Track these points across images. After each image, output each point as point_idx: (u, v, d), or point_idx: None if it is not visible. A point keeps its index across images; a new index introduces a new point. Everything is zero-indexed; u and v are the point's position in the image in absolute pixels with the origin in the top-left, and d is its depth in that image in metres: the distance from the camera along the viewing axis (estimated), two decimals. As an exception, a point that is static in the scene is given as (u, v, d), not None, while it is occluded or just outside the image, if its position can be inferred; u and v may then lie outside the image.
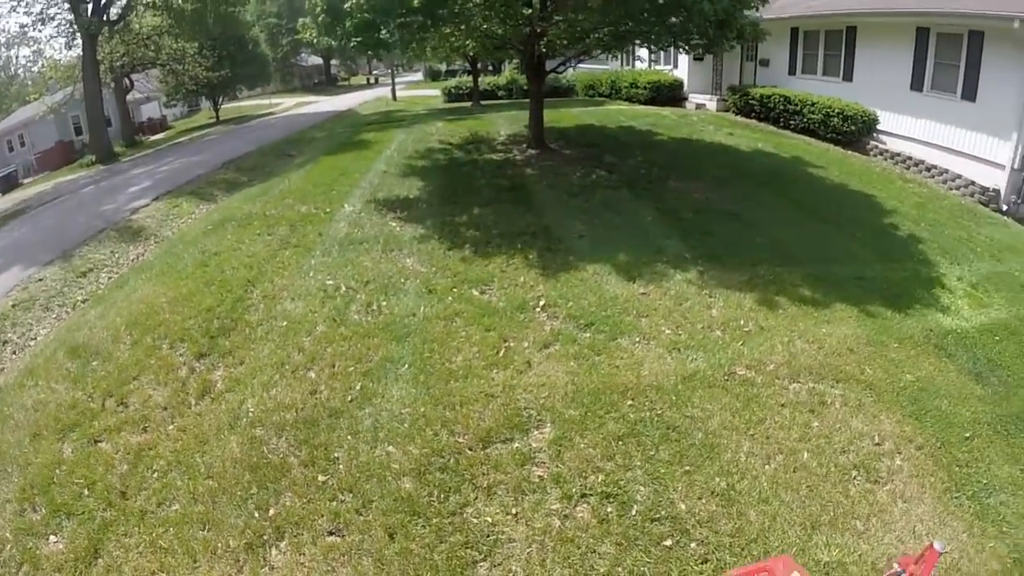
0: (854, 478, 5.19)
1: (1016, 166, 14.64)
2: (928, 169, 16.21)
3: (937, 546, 2.83)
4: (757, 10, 13.48)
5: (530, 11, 12.27)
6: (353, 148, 18.98)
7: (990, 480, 5.63)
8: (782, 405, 5.81)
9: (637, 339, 6.74)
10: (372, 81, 71.18)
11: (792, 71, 21.22)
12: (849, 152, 17.05)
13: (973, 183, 15.29)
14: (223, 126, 35.29)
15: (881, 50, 17.33)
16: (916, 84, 16.42)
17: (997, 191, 15.09)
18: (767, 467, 5.12)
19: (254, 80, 48.68)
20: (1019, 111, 14.19)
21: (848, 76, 18.72)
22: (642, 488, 4.81)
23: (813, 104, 18.72)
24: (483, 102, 29.08)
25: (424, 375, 6.24)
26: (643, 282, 7.91)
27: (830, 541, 4.53)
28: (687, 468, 5.03)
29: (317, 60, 72.90)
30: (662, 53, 27.16)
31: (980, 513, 5.28)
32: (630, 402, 5.81)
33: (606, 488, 4.81)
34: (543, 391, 5.98)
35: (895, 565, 2.89)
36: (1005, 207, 15.06)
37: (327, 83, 72.11)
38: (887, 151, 17.25)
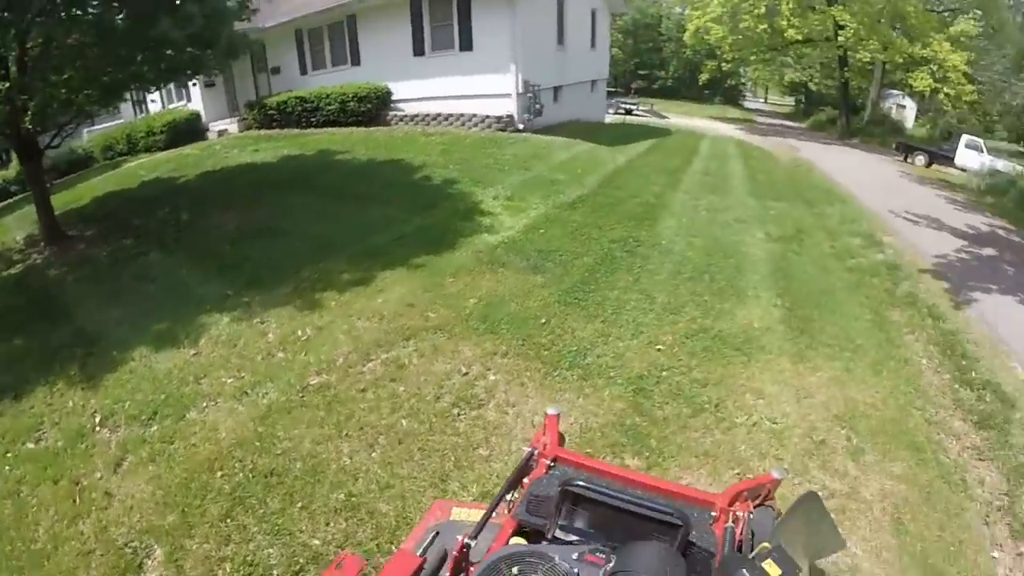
0: (458, 415, 5.24)
1: (520, 91, 16.91)
2: (446, 118, 17.85)
3: (550, 411, 3.03)
4: (249, 20, 12.93)
5: (7, 84, 9.93)
6: None
7: (578, 345, 6.14)
8: (363, 390, 5.56)
9: (204, 404, 5.92)
10: None
11: (304, 71, 21.41)
12: (372, 129, 17.80)
13: (488, 116, 17.31)
14: None
15: (382, 29, 18.44)
16: (419, 50, 17.95)
17: (511, 115, 17.30)
18: (373, 455, 4.89)
19: None
20: (511, 45, 16.52)
21: (356, 61, 19.64)
22: (272, 551, 4.22)
23: (327, 96, 19.00)
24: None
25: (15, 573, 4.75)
26: (191, 342, 7.01)
27: (465, 480, 4.50)
28: (301, 504, 4.55)
29: None
30: (173, 90, 25.12)
31: (584, 375, 5.73)
32: (220, 473, 5.05)
33: (243, 572, 4.14)
34: (135, 516, 4.92)
35: (525, 449, 2.87)
36: (521, 126, 17.35)
37: None
38: (406, 116, 18.54)
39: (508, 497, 2.58)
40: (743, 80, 59.39)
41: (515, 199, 10.64)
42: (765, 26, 31.18)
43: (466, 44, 17.22)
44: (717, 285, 7.89)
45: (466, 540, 2.20)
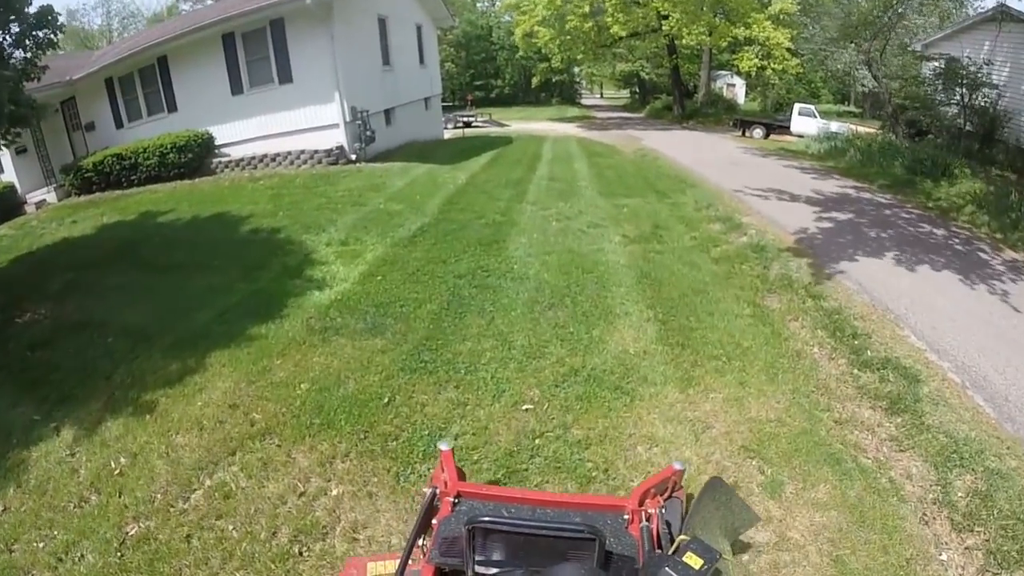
0: (300, 553, 3.96)
1: (347, 119, 15.61)
2: (274, 159, 16.21)
3: (443, 446, 2.97)
4: (37, 80, 10.70)
5: None
6: None
7: (431, 425, 5.01)
8: (187, 537, 4.08)
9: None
10: None
11: (119, 124, 18.84)
12: (198, 180, 15.83)
13: (317, 151, 15.88)
14: None
15: (196, 69, 16.52)
16: (236, 88, 16.21)
17: (341, 147, 15.96)
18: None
19: None
20: (333, 72, 15.17)
21: (172, 107, 17.44)
22: None
23: (145, 150, 16.74)
24: None
25: None
26: None
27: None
28: None
29: None
30: None
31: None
32: None
33: None
34: None
35: (427, 490, 2.81)
36: (354, 156, 16.07)
37: None
38: (232, 161, 16.66)
39: (420, 542, 2.54)
40: (577, 79, 60.68)
41: (350, 242, 9.33)
42: (591, 24, 31.50)
43: (285, 76, 15.70)
44: (581, 309, 6.93)
45: None
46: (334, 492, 4.37)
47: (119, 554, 4.05)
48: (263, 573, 3.78)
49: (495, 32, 53.71)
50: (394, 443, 4.76)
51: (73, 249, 12.84)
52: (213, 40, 15.91)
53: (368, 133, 15.98)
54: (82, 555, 4.08)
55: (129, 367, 6.61)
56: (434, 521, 2.62)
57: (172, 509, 4.35)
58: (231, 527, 4.14)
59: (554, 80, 51.32)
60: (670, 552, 2.20)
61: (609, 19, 30.72)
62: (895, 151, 18.48)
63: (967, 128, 20.10)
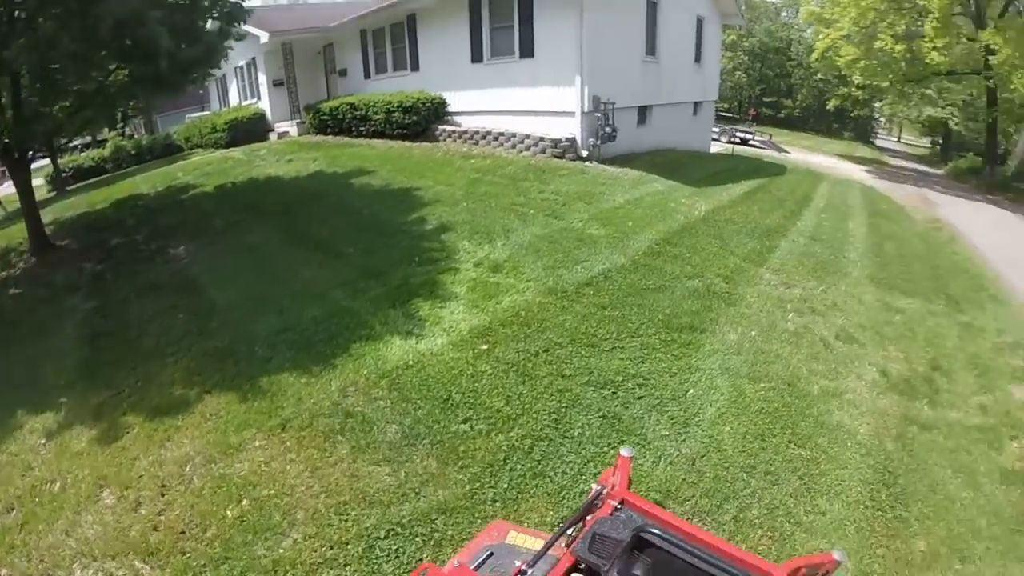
0: None
1: (586, 109, 13.50)
2: (497, 138, 14.49)
3: (624, 452, 2.96)
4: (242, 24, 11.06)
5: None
6: None
7: None
8: None
9: None
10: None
11: (367, 74, 19.52)
12: (415, 144, 14.89)
13: (544, 139, 13.86)
14: None
15: (441, 31, 15.79)
16: (476, 55, 15.02)
17: (572, 139, 13.79)
18: None
19: None
20: (578, 53, 13.10)
21: (415, 66, 17.14)
22: None
23: (376, 104, 16.66)
24: (76, 184, 22.56)
25: None
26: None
27: None
28: None
29: None
30: (246, 86, 24.13)
31: None
32: None
33: None
34: None
35: (594, 487, 2.74)
36: (585, 152, 13.84)
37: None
38: (456, 132, 15.38)
39: (570, 532, 2.53)
40: (876, 115, 53.03)
41: (504, 268, 7.07)
42: (903, 48, 25.85)
43: (527, 50, 13.93)
44: (742, 530, 3.99)
45: (523, 567, 2.24)
46: None
47: None
48: None
49: (794, 47, 48.13)
50: None
51: (261, 190, 12.42)
52: (460, 2, 14.74)
53: (608, 129, 13.50)
54: None
55: (142, 371, 5.06)
56: (589, 517, 2.56)
57: None
58: None
59: (851, 113, 45.09)
60: None
61: (927, 44, 24.90)
62: None
63: None
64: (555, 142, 13.58)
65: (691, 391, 5.23)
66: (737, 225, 10.56)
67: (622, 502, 2.66)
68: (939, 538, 4.24)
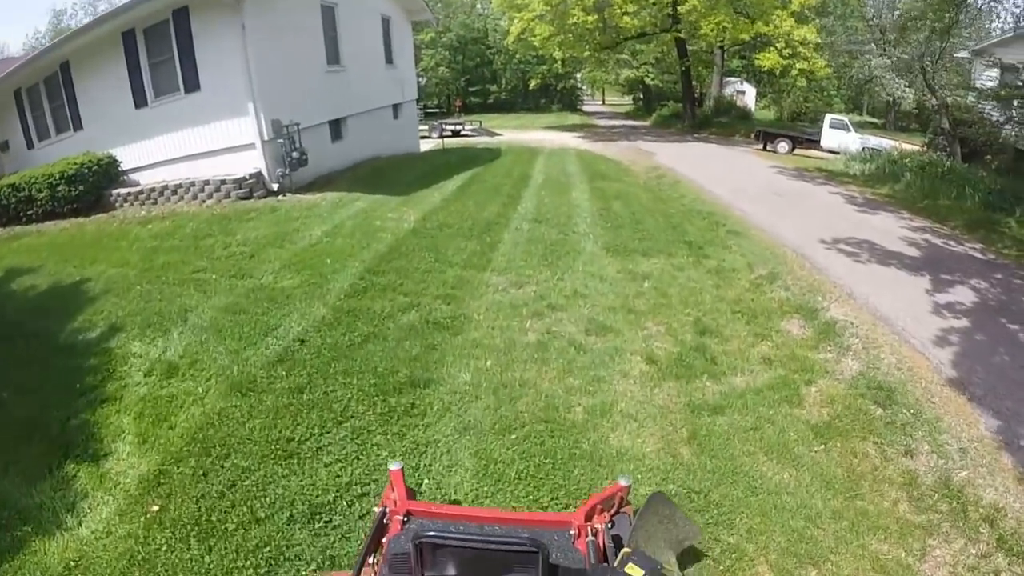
0: None
1: (266, 136, 11.96)
2: (175, 191, 12.30)
3: (393, 466, 2.95)
4: None
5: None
6: None
7: None
8: None
9: None
10: None
11: (30, 144, 15.33)
12: (90, 219, 11.96)
13: (226, 180, 12.07)
14: None
15: (98, 77, 12.98)
16: (140, 100, 12.62)
17: (258, 173, 12.29)
18: None
19: None
20: (246, 78, 11.54)
21: (78, 124, 13.88)
22: None
23: (38, 180, 13.01)
24: None
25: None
26: None
27: None
28: None
29: None
30: None
31: None
32: None
33: None
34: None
35: (376, 509, 2.76)
36: (276, 185, 12.41)
37: None
38: (133, 194, 12.71)
39: (370, 560, 2.49)
40: (578, 84, 56.95)
41: (181, 368, 5.56)
42: (595, 19, 27.63)
43: (192, 84, 12.03)
44: None
45: None
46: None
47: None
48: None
49: (491, 35, 49.91)
50: None
51: None
52: (113, 41, 12.29)
53: (296, 154, 12.19)
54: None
55: None
56: (384, 540, 2.55)
57: None
58: None
59: (556, 86, 47.75)
60: (615, 564, 2.25)
61: (618, 11, 26.92)
62: (961, 178, 15.34)
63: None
64: (239, 182, 11.93)
65: (425, 481, 4.19)
66: (452, 228, 9.91)
67: (408, 514, 2.66)
68: (781, 550, 3.67)
